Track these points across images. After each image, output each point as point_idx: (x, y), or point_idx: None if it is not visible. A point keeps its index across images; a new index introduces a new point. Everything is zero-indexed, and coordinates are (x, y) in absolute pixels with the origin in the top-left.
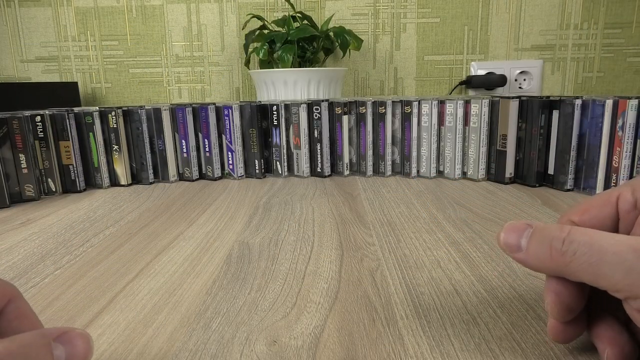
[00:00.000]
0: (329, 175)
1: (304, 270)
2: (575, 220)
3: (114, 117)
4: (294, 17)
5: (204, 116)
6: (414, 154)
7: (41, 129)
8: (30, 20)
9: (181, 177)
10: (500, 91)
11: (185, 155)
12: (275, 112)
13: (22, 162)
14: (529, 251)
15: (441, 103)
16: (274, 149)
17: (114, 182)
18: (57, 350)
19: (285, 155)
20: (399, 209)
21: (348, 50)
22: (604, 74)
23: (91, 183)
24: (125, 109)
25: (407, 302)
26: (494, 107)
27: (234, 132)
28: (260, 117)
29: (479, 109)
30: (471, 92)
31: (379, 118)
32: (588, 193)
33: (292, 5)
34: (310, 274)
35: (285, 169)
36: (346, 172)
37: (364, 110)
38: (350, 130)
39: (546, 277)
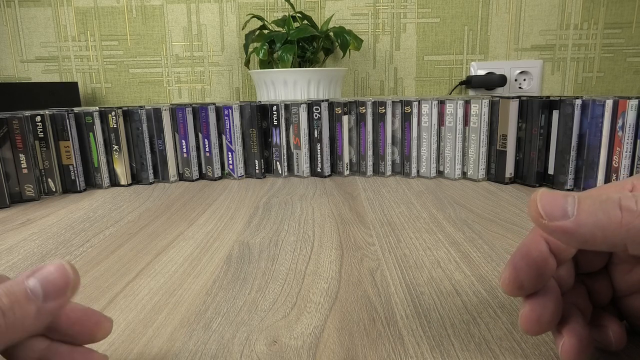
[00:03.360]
0: (329, 175)
1: (304, 270)
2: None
3: (114, 117)
4: (294, 17)
5: (204, 116)
6: (414, 154)
7: (41, 129)
8: (30, 20)
9: (181, 177)
10: (500, 91)
11: (185, 155)
12: (275, 112)
13: (22, 162)
14: (581, 218)
15: (441, 103)
16: (274, 149)
17: (114, 182)
18: (30, 282)
19: (285, 155)
20: (399, 209)
21: (348, 50)
22: (604, 74)
23: (91, 183)
24: (125, 109)
25: (407, 302)
26: (494, 107)
27: (234, 132)
28: (260, 117)
29: (479, 109)
30: (471, 92)
31: (379, 118)
32: None
33: (292, 5)
34: (310, 274)
35: (285, 169)
36: (346, 172)
37: (364, 110)
38: (350, 130)
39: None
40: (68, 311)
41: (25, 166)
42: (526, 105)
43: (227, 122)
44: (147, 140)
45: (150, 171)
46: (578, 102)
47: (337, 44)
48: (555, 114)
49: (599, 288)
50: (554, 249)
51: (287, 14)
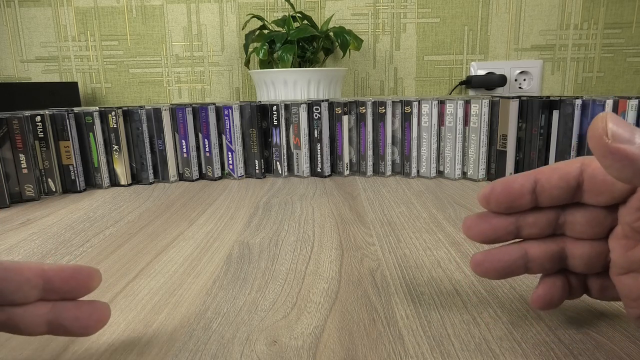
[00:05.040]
0: (329, 175)
1: (304, 270)
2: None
3: (114, 117)
4: (294, 17)
5: (204, 116)
6: (414, 154)
7: (41, 129)
8: (30, 20)
9: (181, 177)
10: (500, 91)
11: (185, 155)
12: (275, 112)
13: (22, 162)
14: None
15: (441, 103)
16: (274, 149)
17: (114, 182)
18: None
19: (285, 155)
20: (399, 209)
21: (348, 50)
22: (604, 74)
23: (91, 183)
24: (125, 109)
25: (407, 302)
26: (494, 107)
27: (234, 132)
28: (260, 117)
29: (479, 109)
30: (471, 92)
31: (379, 118)
32: None
33: (292, 5)
34: (310, 274)
35: (285, 169)
36: (346, 172)
37: (364, 110)
38: (350, 130)
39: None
40: (58, 272)
41: (25, 166)
42: (526, 105)
43: (227, 122)
44: (147, 140)
45: (150, 171)
46: (578, 102)
47: (337, 44)
48: (555, 114)
49: (579, 256)
50: (538, 190)
51: (287, 14)
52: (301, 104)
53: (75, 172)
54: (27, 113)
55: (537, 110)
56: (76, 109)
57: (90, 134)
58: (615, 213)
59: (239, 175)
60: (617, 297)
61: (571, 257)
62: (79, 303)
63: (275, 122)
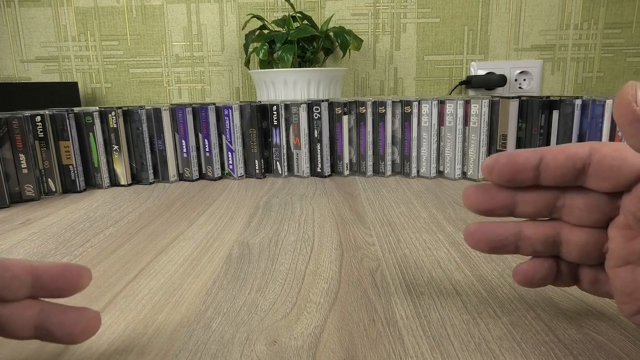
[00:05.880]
0: (329, 175)
1: (304, 270)
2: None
3: (114, 117)
4: (294, 17)
5: (204, 116)
6: (414, 154)
7: (41, 129)
8: (30, 20)
9: (181, 177)
10: (500, 91)
11: (185, 155)
12: (275, 112)
13: (22, 162)
14: None
15: (441, 103)
16: (274, 149)
17: (114, 182)
18: None
19: (285, 155)
20: (399, 209)
21: (348, 50)
22: (604, 74)
23: (91, 183)
24: (125, 109)
25: (407, 302)
26: (494, 107)
27: (234, 132)
28: (260, 117)
29: (479, 109)
30: (471, 92)
31: (379, 118)
32: None
33: (292, 5)
34: (310, 274)
35: (285, 169)
36: (346, 172)
37: (364, 110)
38: (350, 130)
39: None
40: (47, 269)
41: (25, 166)
42: (526, 105)
43: (227, 122)
44: (147, 140)
45: (150, 171)
46: (578, 102)
47: (337, 44)
48: (555, 114)
49: (574, 243)
50: (542, 167)
51: (287, 14)
52: (301, 104)
53: (75, 172)
54: (27, 113)
55: (537, 110)
56: (76, 109)
57: (90, 134)
58: (617, 201)
59: (239, 175)
60: (607, 293)
61: (566, 243)
62: (68, 309)
63: (275, 122)
